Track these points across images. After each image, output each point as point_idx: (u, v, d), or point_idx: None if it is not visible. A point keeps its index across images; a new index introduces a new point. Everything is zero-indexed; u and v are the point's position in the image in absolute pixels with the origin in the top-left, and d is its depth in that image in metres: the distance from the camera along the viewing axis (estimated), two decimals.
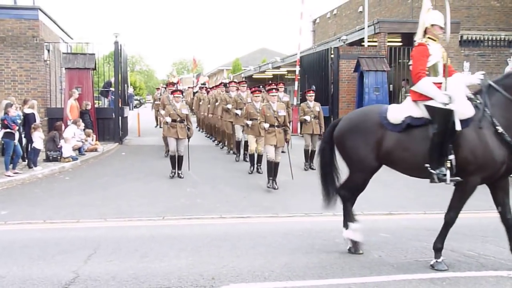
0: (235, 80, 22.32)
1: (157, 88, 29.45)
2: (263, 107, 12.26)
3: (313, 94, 14.63)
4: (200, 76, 34.19)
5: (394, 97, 22.04)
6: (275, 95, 12.33)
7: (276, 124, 11.81)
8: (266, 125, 11.79)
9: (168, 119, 12.71)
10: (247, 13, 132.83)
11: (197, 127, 23.29)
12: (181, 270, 6.28)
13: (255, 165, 13.45)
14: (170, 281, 5.90)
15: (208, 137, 20.98)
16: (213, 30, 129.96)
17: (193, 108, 25.41)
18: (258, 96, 13.67)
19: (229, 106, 15.56)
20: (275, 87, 13.33)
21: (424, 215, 9.67)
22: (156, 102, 24.81)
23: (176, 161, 12.72)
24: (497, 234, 8.01)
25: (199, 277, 6.01)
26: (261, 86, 18.93)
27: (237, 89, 16.17)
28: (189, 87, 30.27)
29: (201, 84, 28.51)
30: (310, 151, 14.20)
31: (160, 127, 18.50)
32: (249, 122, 13.23)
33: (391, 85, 21.69)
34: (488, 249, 7.18)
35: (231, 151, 16.34)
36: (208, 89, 23.07)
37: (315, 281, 5.89)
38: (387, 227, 8.52)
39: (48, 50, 18.51)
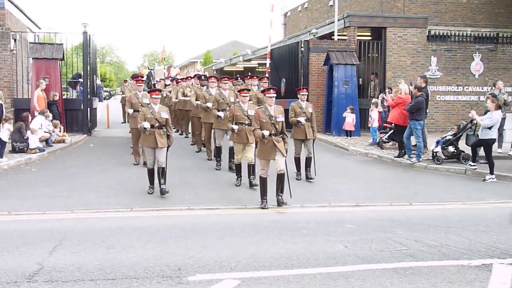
0: (211, 74, 20.93)
1: (124, 81, 28.09)
2: (257, 110, 10.01)
3: (306, 93, 12.35)
4: (171, 68, 33.55)
5: (363, 91, 22.29)
6: (272, 97, 9.93)
7: (273, 132, 9.70)
8: (266, 133, 9.55)
9: (147, 125, 10.30)
10: (219, 5, 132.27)
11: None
12: (147, 261, 6.28)
13: (249, 177, 11.17)
14: (136, 272, 5.89)
15: (180, 133, 19.37)
16: (184, 22, 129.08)
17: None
18: (246, 96, 11.34)
19: (209, 104, 13.22)
20: (268, 87, 11.56)
21: (390, 206, 9.81)
22: (123, 95, 23.68)
23: (157, 175, 10.41)
24: (460, 225, 8.24)
25: (165, 268, 6.02)
26: (239, 78, 17.38)
27: (218, 86, 13.91)
28: (161, 79, 29.63)
29: (172, 77, 27.54)
30: (299, 158, 12.03)
31: (128, 122, 17.18)
32: (236, 127, 11.08)
33: (360, 79, 21.91)
34: (450, 240, 7.33)
35: (209, 158, 14.18)
36: (178, 80, 21.28)
37: (281, 271, 5.95)
38: (354, 218, 8.64)
39: (15, 40, 18.20)
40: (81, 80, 21.80)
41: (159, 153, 10.32)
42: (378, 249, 6.89)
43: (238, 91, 12.26)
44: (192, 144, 16.65)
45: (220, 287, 5.43)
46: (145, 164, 11.61)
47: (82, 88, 20.78)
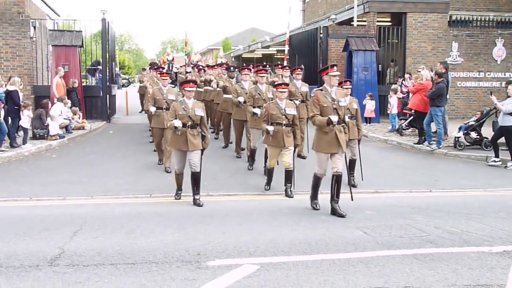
0: (242, 65, 17.78)
1: (143, 69, 25.88)
2: (316, 93, 8.48)
3: (350, 86, 10.69)
4: (191, 54, 32.98)
5: (383, 77, 22.08)
6: (284, 91, 9.45)
7: (285, 122, 9.29)
8: (334, 118, 7.94)
9: (178, 123, 8.61)
10: None
11: None
12: (167, 246, 6.31)
13: (285, 185, 9.45)
14: (155, 256, 5.93)
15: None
16: (202, 9, 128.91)
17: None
18: (284, 91, 9.53)
19: (241, 99, 11.70)
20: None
21: (409, 193, 9.74)
22: (140, 85, 21.51)
23: (191, 182, 8.78)
24: (481, 212, 8.15)
25: (184, 253, 6.05)
26: (267, 66, 16.13)
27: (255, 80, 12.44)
28: (181, 66, 29.35)
29: (193, 63, 26.46)
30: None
31: (146, 112, 15.43)
32: (271, 128, 9.30)
33: (380, 65, 21.69)
34: (471, 226, 7.26)
35: (238, 156, 12.74)
36: (202, 68, 19.10)
37: (300, 257, 5.95)
38: (373, 205, 8.59)
39: (34, 27, 18.29)
40: (100, 67, 21.89)
41: (192, 156, 8.68)
42: (397, 235, 6.85)
43: (274, 86, 10.20)
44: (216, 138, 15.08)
45: (239, 272, 5.43)
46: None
47: (101, 75, 20.88)
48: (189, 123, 8.69)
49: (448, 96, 14.99)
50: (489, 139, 13.19)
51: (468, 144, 13.81)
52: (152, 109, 11.10)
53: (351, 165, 9.98)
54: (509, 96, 12.11)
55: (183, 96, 9.04)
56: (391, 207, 8.46)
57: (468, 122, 14.24)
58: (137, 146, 14.25)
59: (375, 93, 18.75)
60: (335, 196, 8.00)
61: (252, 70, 13.98)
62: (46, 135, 14.57)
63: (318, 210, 8.22)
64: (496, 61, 20.83)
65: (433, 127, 14.17)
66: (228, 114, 13.23)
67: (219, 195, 9.37)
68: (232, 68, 14.38)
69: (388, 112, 17.47)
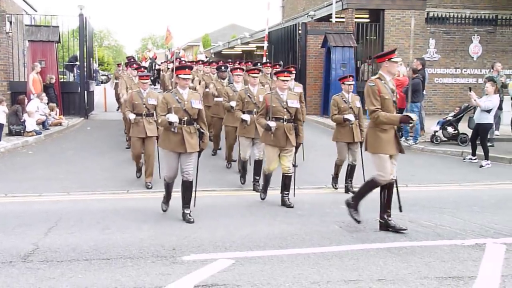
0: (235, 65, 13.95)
1: (118, 64, 23.96)
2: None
3: (353, 82, 9.78)
4: (175, 51, 31.91)
5: (361, 74, 22.22)
6: (287, 80, 8.29)
7: (286, 117, 8.22)
8: (273, 124, 8.06)
9: (174, 118, 7.19)
10: None
11: None
12: (142, 241, 6.30)
13: (282, 193, 8.41)
14: (131, 252, 5.91)
15: None
16: (182, 5, 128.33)
17: (164, 87, 21.37)
18: (287, 79, 8.26)
19: (233, 103, 10.11)
20: (282, 70, 9.26)
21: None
22: (116, 81, 19.66)
23: (183, 192, 7.46)
24: (455, 206, 8.26)
25: (160, 248, 6.04)
26: (258, 64, 14.20)
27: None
28: (162, 63, 28.62)
29: (180, 59, 25.10)
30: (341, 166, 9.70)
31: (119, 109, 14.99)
32: (273, 124, 8.09)
33: (358, 62, 21.83)
34: (445, 220, 7.36)
35: (228, 166, 11.49)
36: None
37: (275, 251, 5.98)
38: None
39: (10, 22, 18.09)
40: (78, 63, 21.69)
41: (187, 160, 7.38)
42: (372, 229, 6.92)
43: (275, 74, 8.87)
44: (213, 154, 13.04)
45: (214, 267, 5.44)
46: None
47: (79, 71, 20.70)
48: (185, 118, 7.37)
49: (424, 92, 15.17)
50: (466, 135, 13.34)
51: (445, 139, 13.97)
52: (131, 116, 9.54)
53: (350, 171, 9.45)
54: (486, 94, 12.25)
55: (175, 87, 7.69)
56: (367, 202, 8.44)
57: (446, 118, 14.40)
58: (114, 142, 14.16)
59: (354, 90, 18.81)
60: (387, 208, 7.02)
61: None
62: (22, 131, 14.43)
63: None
64: (473, 57, 21.10)
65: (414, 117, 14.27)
66: (219, 119, 11.97)
67: (197, 190, 9.33)
68: (223, 67, 12.58)
69: (366, 108, 17.56)
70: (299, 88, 10.91)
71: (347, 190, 9.25)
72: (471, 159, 12.31)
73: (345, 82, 9.51)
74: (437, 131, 14.05)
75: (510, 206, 8.42)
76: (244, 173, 9.84)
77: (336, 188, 9.51)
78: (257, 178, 9.42)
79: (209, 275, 5.21)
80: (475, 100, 12.29)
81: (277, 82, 8.31)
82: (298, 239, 6.48)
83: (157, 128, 9.43)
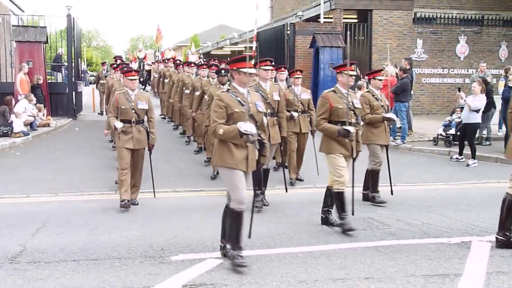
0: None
1: (102, 63, 23.37)
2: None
3: (382, 78, 9.44)
4: (165, 51, 30.91)
5: None
6: (269, 69, 8.16)
7: (301, 109, 9.57)
8: (296, 114, 9.32)
9: (252, 129, 5.42)
10: None
11: (160, 115, 18.10)
12: (130, 241, 6.31)
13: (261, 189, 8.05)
14: (119, 252, 5.92)
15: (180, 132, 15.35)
16: (171, 5, 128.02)
17: (155, 89, 21.80)
18: (299, 77, 9.82)
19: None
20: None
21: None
22: (101, 81, 19.88)
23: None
24: (442, 205, 8.34)
25: (148, 248, 6.06)
26: None
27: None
28: (152, 63, 28.09)
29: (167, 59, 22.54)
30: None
31: (103, 113, 15.06)
32: (296, 114, 9.55)
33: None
34: (431, 218, 7.42)
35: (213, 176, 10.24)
36: (179, 63, 16.68)
37: (263, 251, 6.01)
38: None
39: None
40: (66, 63, 21.59)
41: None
42: (360, 228, 6.96)
43: (289, 73, 10.17)
44: (196, 151, 12.72)
45: (202, 266, 5.47)
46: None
47: (67, 72, 20.61)
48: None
49: (412, 92, 15.27)
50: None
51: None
52: (118, 125, 7.97)
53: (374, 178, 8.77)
54: (472, 94, 12.32)
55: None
56: (356, 201, 8.54)
57: (453, 120, 14.08)
58: (102, 143, 14.10)
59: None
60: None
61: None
62: (9, 133, 14.34)
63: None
64: (459, 57, 21.24)
65: (398, 122, 14.37)
66: None
67: (185, 191, 9.38)
68: (223, 71, 10.42)
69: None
70: (306, 94, 10.03)
71: (366, 198, 8.51)
72: (458, 158, 12.38)
73: (376, 77, 8.53)
74: (443, 134, 13.92)
75: (495, 204, 8.41)
76: (265, 187, 8.36)
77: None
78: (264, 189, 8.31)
79: (197, 275, 5.23)
80: (464, 100, 12.35)
81: (260, 72, 7.95)
82: (286, 238, 6.52)
83: (149, 138, 8.25)
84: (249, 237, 5.60)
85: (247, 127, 5.31)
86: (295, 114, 9.61)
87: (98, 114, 20.16)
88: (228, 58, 24.85)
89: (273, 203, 8.30)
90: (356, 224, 7.11)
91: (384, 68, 16.32)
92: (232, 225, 5.63)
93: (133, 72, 8.05)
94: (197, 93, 11.54)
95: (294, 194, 9.16)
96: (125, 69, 9.96)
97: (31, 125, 15.44)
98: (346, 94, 6.94)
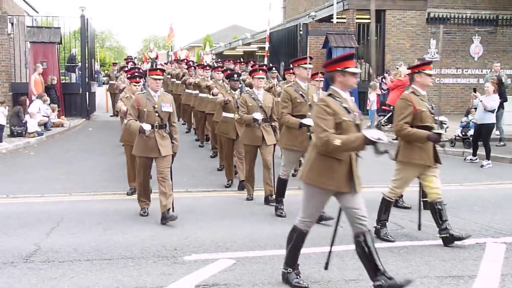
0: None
1: (113, 64, 22.77)
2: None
3: (322, 79, 8.20)
4: (178, 51, 30.26)
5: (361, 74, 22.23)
6: (263, 78, 8.63)
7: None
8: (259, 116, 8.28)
9: (259, 116, 8.10)
10: None
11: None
12: (144, 241, 6.33)
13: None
14: (132, 252, 5.94)
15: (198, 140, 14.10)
16: (184, 6, 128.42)
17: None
18: (321, 80, 7.86)
19: (257, 115, 8.23)
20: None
21: (387, 188, 9.80)
22: (111, 82, 19.25)
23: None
24: (456, 205, 8.28)
25: (161, 248, 6.07)
26: (273, 69, 12.61)
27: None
28: (165, 63, 27.79)
29: (180, 60, 21.32)
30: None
31: (116, 115, 14.77)
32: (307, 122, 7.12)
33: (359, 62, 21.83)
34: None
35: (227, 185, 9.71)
36: (192, 65, 15.82)
37: (276, 251, 6.00)
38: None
39: (12, 24, 18.13)
40: (79, 64, 21.71)
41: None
42: (373, 229, 6.91)
43: (250, 73, 9.68)
44: (212, 156, 12.23)
45: (215, 267, 5.47)
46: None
47: (80, 72, 20.74)
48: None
49: (426, 93, 15.14)
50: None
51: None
52: (147, 127, 7.14)
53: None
54: (486, 94, 12.22)
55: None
56: (369, 202, 8.38)
57: (470, 121, 13.94)
58: (116, 143, 14.12)
59: (355, 90, 18.85)
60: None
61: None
62: (24, 133, 14.46)
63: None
64: (473, 58, 21.09)
65: None
66: (229, 140, 9.46)
67: (198, 191, 9.39)
68: (236, 76, 9.72)
69: (368, 108, 17.60)
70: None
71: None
72: (471, 159, 12.28)
73: (425, 70, 6.55)
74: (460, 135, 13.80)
75: (510, 205, 8.43)
76: (282, 197, 7.83)
77: None
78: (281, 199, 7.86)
79: (210, 275, 5.24)
80: (481, 101, 12.20)
81: (313, 83, 7.81)
82: None
83: (173, 143, 7.48)
84: (326, 268, 5.11)
85: (375, 134, 4.50)
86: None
87: (111, 116, 19.67)
88: (241, 59, 24.91)
89: (286, 204, 8.28)
90: (370, 224, 7.07)
91: (397, 68, 16.27)
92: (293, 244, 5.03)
93: (158, 70, 7.44)
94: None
95: None
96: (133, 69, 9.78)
97: (45, 125, 15.56)
98: (425, 95, 6.41)
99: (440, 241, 6.35)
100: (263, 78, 8.61)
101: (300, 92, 7.47)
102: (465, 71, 21.13)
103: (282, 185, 7.74)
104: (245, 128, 8.47)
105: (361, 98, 19.49)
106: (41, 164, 11.71)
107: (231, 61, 18.05)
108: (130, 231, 6.79)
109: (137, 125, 7.16)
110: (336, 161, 4.68)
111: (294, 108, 7.46)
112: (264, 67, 11.63)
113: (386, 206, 6.73)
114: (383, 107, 17.00)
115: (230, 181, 9.67)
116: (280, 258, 5.72)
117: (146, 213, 7.65)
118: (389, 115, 16.18)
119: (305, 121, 7.17)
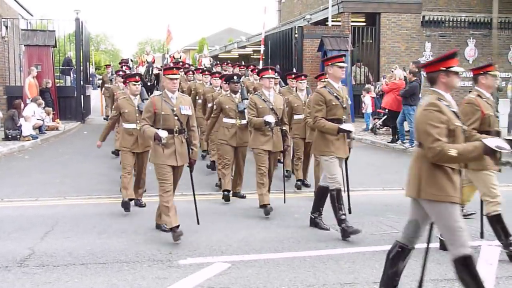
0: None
1: (106, 66, 21.55)
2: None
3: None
4: (175, 54, 29.25)
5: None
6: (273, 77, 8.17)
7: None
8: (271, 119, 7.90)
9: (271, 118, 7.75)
10: None
11: None
12: (138, 245, 6.32)
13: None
14: (127, 256, 5.93)
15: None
16: (179, 9, 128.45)
17: None
18: (273, 76, 8.24)
19: (269, 118, 7.83)
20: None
21: (382, 191, 9.85)
22: (106, 85, 18.42)
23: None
24: None
25: (156, 252, 6.06)
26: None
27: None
28: (161, 66, 27.26)
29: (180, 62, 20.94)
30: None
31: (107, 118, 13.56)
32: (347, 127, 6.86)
33: (353, 65, 21.85)
34: None
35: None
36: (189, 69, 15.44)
37: (271, 255, 6.00)
38: (346, 203, 8.64)
39: (6, 27, 18.12)
40: (74, 67, 21.69)
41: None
42: (368, 232, 6.95)
43: (258, 73, 9.37)
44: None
45: (210, 270, 5.47)
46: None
47: (75, 76, 20.72)
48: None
49: (421, 96, 15.19)
50: None
51: None
52: (163, 134, 6.35)
53: None
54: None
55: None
56: (364, 205, 8.54)
57: None
58: (111, 147, 14.11)
59: (350, 93, 18.89)
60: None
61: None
62: (18, 136, 14.41)
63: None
64: (468, 61, 21.17)
65: (406, 126, 14.34)
66: (230, 148, 8.73)
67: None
68: (235, 77, 9.07)
69: (363, 111, 17.63)
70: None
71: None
72: None
73: (488, 72, 6.27)
74: None
75: (507, 209, 8.41)
76: (341, 207, 6.95)
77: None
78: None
79: (205, 279, 5.23)
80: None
81: (262, 81, 8.00)
82: (294, 242, 6.50)
83: (192, 149, 6.81)
84: None
85: (496, 142, 4.14)
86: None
87: (104, 119, 18.63)
88: (243, 62, 24.78)
89: (281, 207, 8.29)
90: (365, 228, 7.09)
91: (392, 71, 16.30)
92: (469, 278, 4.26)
93: (174, 69, 6.68)
94: (210, 105, 10.13)
95: (302, 198, 9.13)
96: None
97: (40, 129, 15.50)
98: (489, 98, 6.09)
99: (435, 245, 6.35)
100: (273, 78, 8.08)
101: (335, 94, 6.86)
102: (460, 74, 21.08)
103: (326, 195, 7.08)
104: (255, 132, 8.00)
105: (356, 101, 19.52)
106: (36, 167, 11.67)
107: (230, 64, 18.02)
108: (125, 235, 6.77)
109: (152, 131, 6.36)
110: (451, 171, 4.22)
111: (329, 111, 6.81)
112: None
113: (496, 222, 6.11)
114: (378, 110, 17.04)
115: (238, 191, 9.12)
116: (275, 262, 5.73)
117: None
118: (384, 118, 16.23)
119: (345, 126, 6.76)
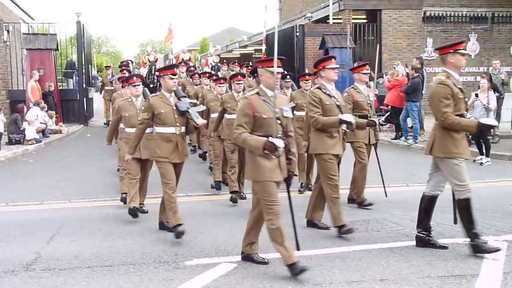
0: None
1: (106, 67, 20.51)
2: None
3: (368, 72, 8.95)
4: (180, 53, 27.29)
5: None
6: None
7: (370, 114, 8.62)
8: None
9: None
10: None
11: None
12: (144, 247, 6.32)
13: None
14: (133, 258, 5.93)
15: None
16: (180, 10, 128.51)
17: None
18: (367, 73, 8.67)
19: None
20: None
21: (387, 188, 9.79)
22: (106, 88, 17.99)
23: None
24: None
25: (162, 253, 6.06)
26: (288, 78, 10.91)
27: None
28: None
29: (185, 63, 19.84)
30: None
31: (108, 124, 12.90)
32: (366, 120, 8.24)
33: (355, 63, 21.81)
34: (446, 218, 7.34)
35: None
36: (194, 71, 14.76)
37: (277, 254, 5.93)
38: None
39: (8, 31, 18.10)
40: (76, 69, 21.72)
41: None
42: (374, 229, 6.93)
43: (230, 78, 9.15)
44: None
45: (217, 271, 5.46)
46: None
47: (77, 78, 20.74)
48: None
49: (424, 91, 15.17)
50: None
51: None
52: (279, 143, 5.26)
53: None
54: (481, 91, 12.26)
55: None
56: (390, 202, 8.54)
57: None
58: (115, 149, 14.11)
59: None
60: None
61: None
62: (22, 140, 14.44)
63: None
64: (470, 56, 21.09)
65: (410, 122, 14.31)
66: (234, 146, 8.80)
67: (198, 195, 9.39)
68: (240, 76, 9.23)
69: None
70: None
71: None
72: (482, 161, 11.82)
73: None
74: None
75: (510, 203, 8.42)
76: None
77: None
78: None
79: (211, 280, 5.22)
80: (486, 104, 12.18)
81: (324, 73, 6.93)
82: (301, 241, 6.44)
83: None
84: None
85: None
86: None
87: (104, 124, 17.74)
88: (249, 63, 24.72)
89: (287, 206, 8.26)
90: (370, 225, 7.08)
91: (395, 67, 16.27)
92: None
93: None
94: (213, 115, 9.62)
95: (309, 196, 9.11)
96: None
97: (43, 132, 15.53)
98: None
99: (441, 240, 6.34)
100: (337, 67, 7.15)
101: (327, 93, 6.81)
102: (462, 69, 21.02)
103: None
104: (319, 134, 7.04)
105: None
106: (40, 171, 11.69)
107: (237, 64, 17.90)
108: (131, 237, 6.77)
109: (261, 141, 5.20)
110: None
111: (325, 112, 6.74)
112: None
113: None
114: (381, 106, 17.00)
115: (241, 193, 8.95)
116: (281, 261, 5.71)
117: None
118: (387, 114, 16.20)
119: (345, 116, 6.67)
